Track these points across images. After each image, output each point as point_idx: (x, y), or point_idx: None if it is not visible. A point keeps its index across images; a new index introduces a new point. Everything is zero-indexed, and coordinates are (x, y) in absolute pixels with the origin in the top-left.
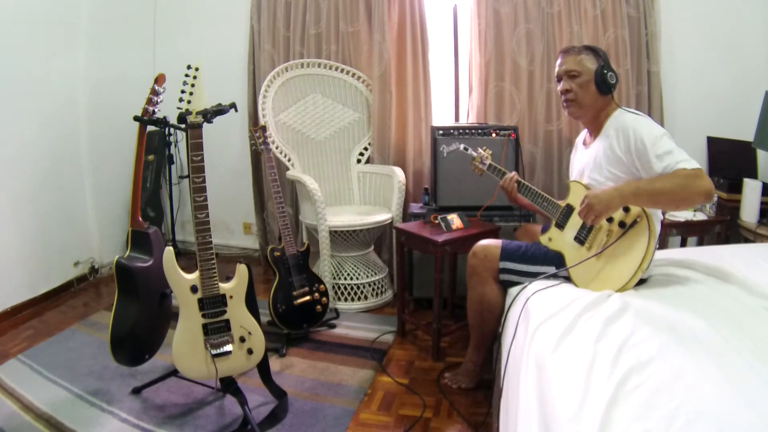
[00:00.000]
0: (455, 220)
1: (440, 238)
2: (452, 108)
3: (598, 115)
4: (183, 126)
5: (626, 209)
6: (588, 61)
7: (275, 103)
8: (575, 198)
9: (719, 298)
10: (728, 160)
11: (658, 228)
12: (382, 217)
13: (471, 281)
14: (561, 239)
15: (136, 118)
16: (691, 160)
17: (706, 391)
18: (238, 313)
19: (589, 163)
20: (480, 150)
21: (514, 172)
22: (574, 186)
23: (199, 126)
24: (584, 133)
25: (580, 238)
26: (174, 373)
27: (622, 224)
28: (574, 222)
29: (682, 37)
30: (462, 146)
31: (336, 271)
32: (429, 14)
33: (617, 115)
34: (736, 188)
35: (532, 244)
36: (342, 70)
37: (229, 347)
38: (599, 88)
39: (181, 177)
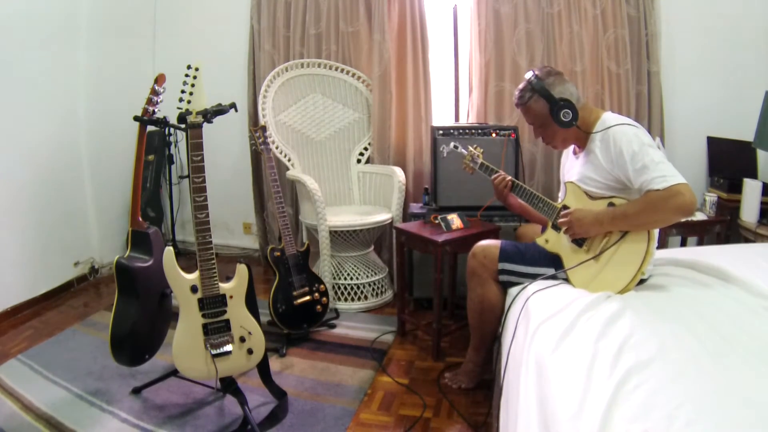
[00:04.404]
0: (455, 220)
1: (440, 238)
2: (452, 108)
3: (578, 135)
4: (183, 126)
5: None
6: (536, 105)
7: (275, 103)
8: (571, 199)
9: (719, 298)
10: (728, 160)
11: (656, 230)
12: (382, 217)
13: (471, 282)
14: (558, 241)
15: (136, 118)
16: (665, 176)
17: (706, 391)
18: (238, 313)
19: (580, 171)
20: (470, 148)
21: (505, 173)
22: (570, 187)
23: (199, 126)
24: None
25: (578, 240)
26: (174, 373)
27: None
28: None
29: (682, 37)
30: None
31: (336, 271)
32: (429, 14)
33: (602, 124)
34: (736, 188)
35: (532, 245)
36: (342, 70)
37: (229, 347)
38: (561, 126)
39: (181, 177)
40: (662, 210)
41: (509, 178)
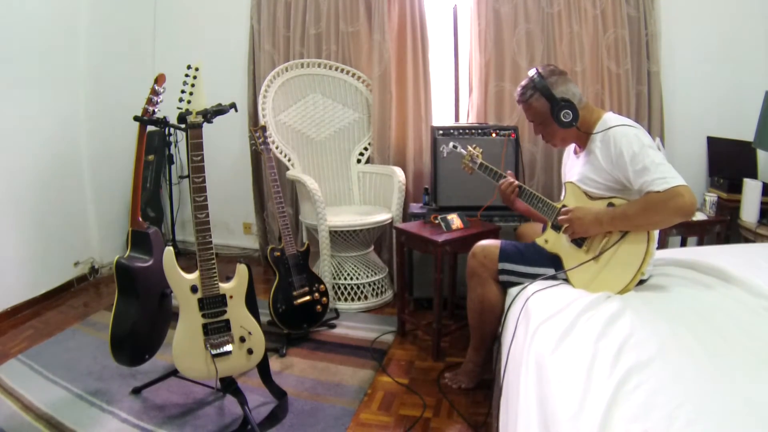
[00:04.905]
0: (455, 220)
1: (440, 238)
2: (452, 108)
3: (578, 134)
4: (183, 126)
5: None
6: (537, 103)
7: (275, 103)
8: (571, 199)
9: (719, 299)
10: (728, 160)
11: (656, 231)
12: (382, 217)
13: (471, 282)
14: (557, 241)
15: (136, 118)
16: (666, 177)
17: (706, 391)
18: (238, 313)
19: (580, 171)
20: (470, 148)
21: (512, 179)
22: (569, 187)
23: (199, 126)
24: None
25: (578, 241)
26: (174, 373)
27: None
28: None
29: (682, 37)
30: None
31: (336, 271)
32: (429, 14)
33: (603, 124)
34: (736, 188)
35: (531, 245)
36: (342, 70)
37: (229, 347)
38: (561, 126)
39: (181, 177)
40: (662, 211)
41: (516, 183)
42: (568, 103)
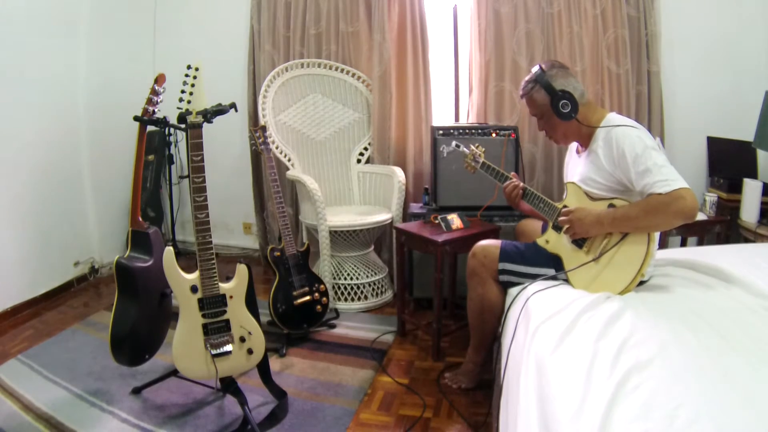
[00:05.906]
0: (455, 220)
1: (440, 238)
2: (452, 108)
3: (580, 132)
4: (183, 126)
5: None
6: (538, 96)
7: (275, 103)
8: (572, 199)
9: (719, 299)
10: (728, 160)
11: (657, 232)
12: (382, 217)
13: (471, 282)
14: (558, 242)
15: (136, 118)
16: (668, 180)
17: (706, 391)
18: (238, 313)
19: (582, 171)
20: (472, 147)
21: (517, 180)
22: (571, 187)
23: (199, 126)
24: None
25: (579, 241)
26: (174, 373)
27: None
28: None
29: (682, 37)
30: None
31: (336, 271)
32: (429, 14)
33: (606, 123)
34: (736, 188)
35: (532, 245)
36: (342, 70)
37: (229, 347)
38: (561, 118)
39: (181, 177)
40: (664, 214)
41: (521, 185)
42: (567, 94)
